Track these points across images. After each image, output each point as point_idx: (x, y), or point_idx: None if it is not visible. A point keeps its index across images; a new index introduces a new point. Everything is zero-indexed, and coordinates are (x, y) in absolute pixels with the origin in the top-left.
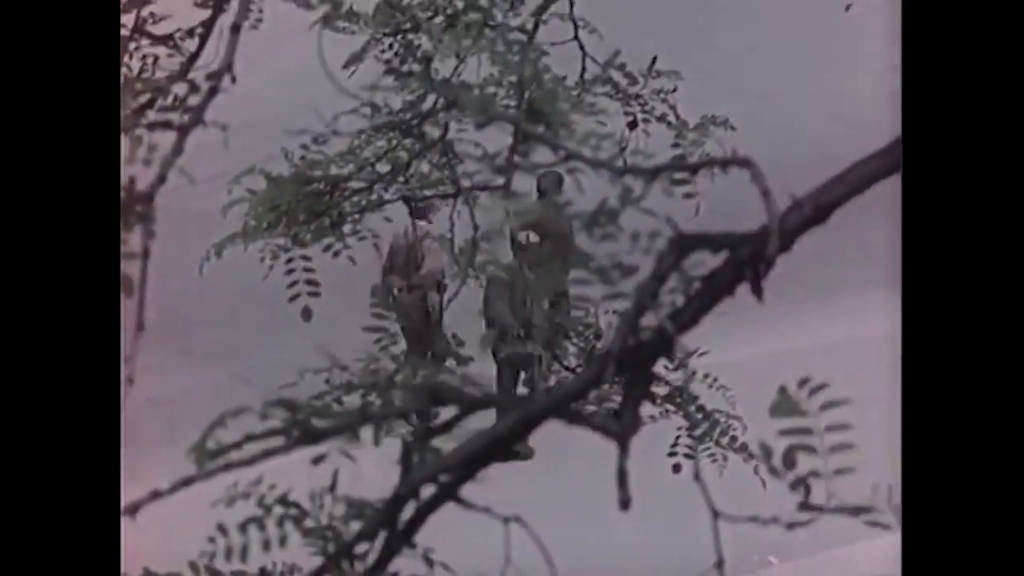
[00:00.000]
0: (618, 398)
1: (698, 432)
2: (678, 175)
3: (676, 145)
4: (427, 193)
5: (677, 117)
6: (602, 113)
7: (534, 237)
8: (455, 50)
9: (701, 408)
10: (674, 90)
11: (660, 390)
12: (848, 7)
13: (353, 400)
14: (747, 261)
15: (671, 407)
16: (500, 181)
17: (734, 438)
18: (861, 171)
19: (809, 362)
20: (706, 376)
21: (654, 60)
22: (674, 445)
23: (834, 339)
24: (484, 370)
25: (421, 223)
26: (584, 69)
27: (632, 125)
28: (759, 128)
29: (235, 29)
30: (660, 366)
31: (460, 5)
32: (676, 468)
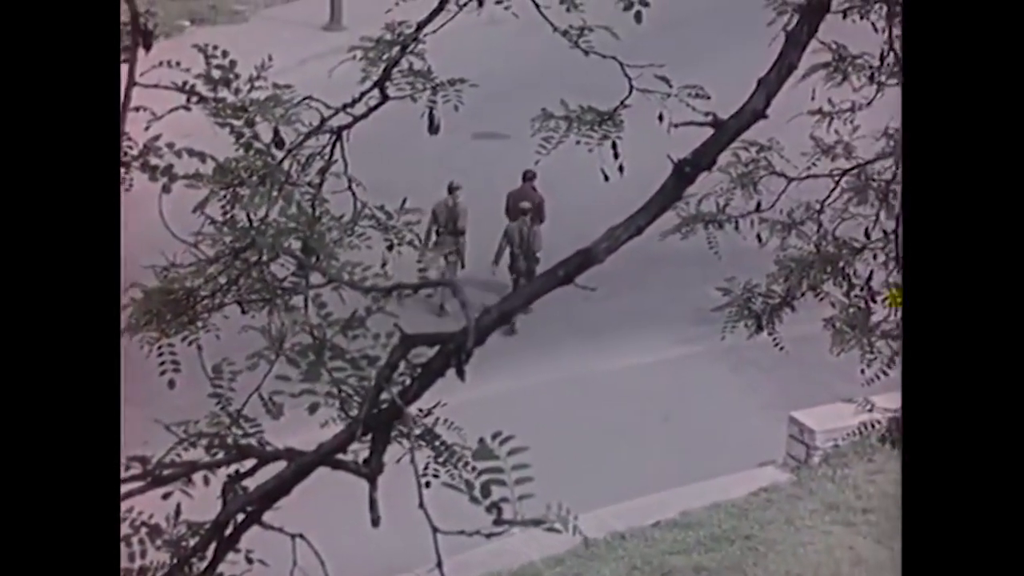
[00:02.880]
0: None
1: (441, 460)
2: (406, 291)
3: (419, 262)
4: (252, 297)
5: (420, 241)
6: (368, 240)
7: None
8: (264, 202)
9: (443, 443)
10: (418, 222)
11: (416, 430)
12: None
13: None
14: (452, 352)
15: (422, 443)
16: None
17: (467, 463)
18: (531, 288)
19: (516, 402)
20: (446, 420)
21: (404, 201)
22: (425, 469)
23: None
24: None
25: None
26: (355, 209)
27: (390, 248)
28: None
29: None
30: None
31: (267, 170)
32: (427, 484)
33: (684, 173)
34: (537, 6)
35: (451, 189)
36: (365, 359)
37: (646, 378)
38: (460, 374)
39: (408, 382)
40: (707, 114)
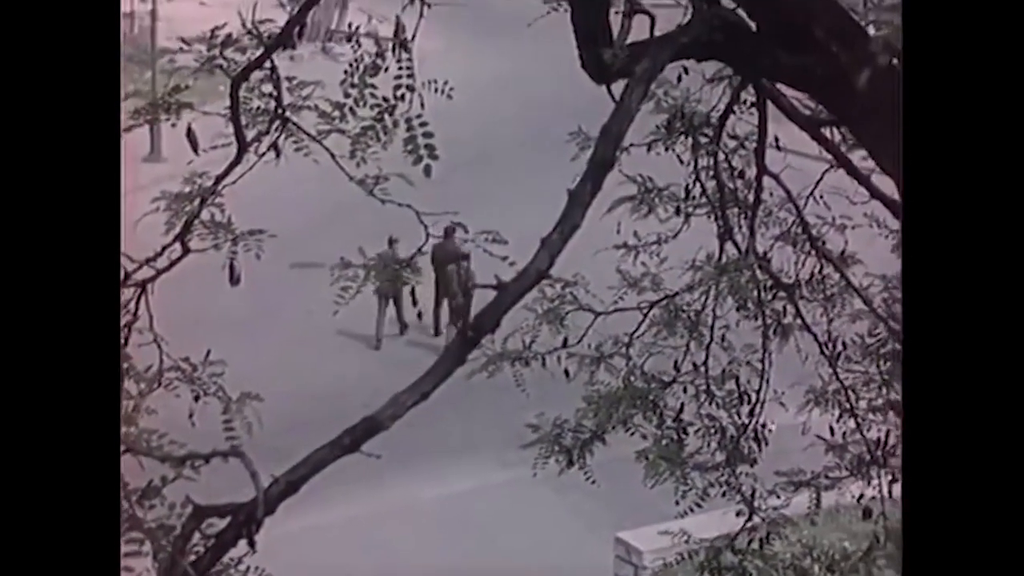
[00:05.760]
0: None
1: None
2: (198, 462)
3: (224, 413)
4: None
5: (225, 393)
6: (176, 390)
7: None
8: None
9: None
10: (222, 374)
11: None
12: None
13: None
14: (244, 523)
15: None
16: None
17: None
18: (317, 457)
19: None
20: (256, 568)
21: (208, 352)
22: None
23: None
24: None
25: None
26: (160, 363)
27: (196, 399)
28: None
29: None
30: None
31: None
32: None
33: (468, 337)
34: (333, 156)
35: (390, 242)
36: (161, 529)
37: (470, 504)
38: (251, 544)
39: (202, 551)
40: (504, 258)
